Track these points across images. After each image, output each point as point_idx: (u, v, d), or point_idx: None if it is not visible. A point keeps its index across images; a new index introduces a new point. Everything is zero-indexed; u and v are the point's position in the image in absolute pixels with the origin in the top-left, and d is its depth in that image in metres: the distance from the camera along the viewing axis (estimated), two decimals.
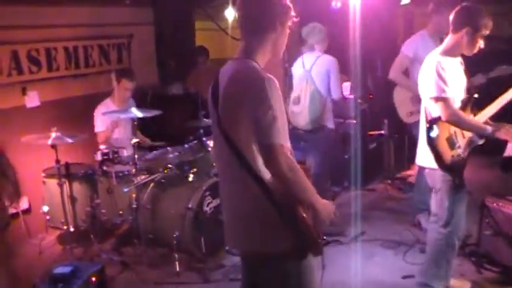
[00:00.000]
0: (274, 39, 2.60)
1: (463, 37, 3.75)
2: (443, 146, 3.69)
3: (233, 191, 2.62)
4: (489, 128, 3.73)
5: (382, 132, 7.36)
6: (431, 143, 3.71)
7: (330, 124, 5.60)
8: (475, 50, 3.81)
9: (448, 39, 3.86)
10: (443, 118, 3.67)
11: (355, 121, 6.85)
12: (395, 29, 9.63)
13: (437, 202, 3.93)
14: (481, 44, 3.78)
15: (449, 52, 3.81)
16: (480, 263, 4.60)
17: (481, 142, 3.84)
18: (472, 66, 4.10)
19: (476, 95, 3.84)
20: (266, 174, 2.44)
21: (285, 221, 2.46)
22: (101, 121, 5.60)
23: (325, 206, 2.57)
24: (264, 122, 2.34)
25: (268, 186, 2.44)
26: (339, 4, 6.86)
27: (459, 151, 3.74)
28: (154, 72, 7.72)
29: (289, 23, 2.63)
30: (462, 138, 3.79)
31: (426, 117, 3.86)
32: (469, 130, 3.79)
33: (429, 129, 3.73)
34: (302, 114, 5.41)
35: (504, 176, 3.75)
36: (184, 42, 8.17)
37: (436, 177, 3.86)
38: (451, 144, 3.72)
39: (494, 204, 4.52)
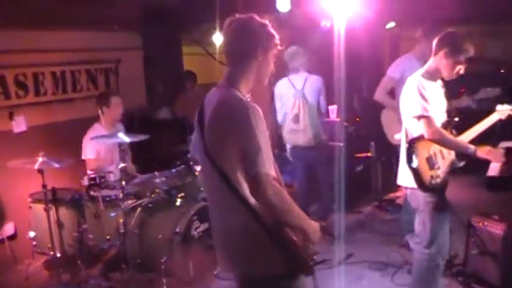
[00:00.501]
0: (257, 67, 2.64)
1: (441, 59, 3.82)
2: (423, 167, 3.72)
3: (222, 215, 2.65)
4: (472, 147, 3.78)
5: (369, 154, 7.41)
6: (411, 162, 3.74)
7: (325, 138, 6.01)
8: (454, 75, 3.87)
9: (430, 62, 3.94)
10: (426, 136, 3.71)
11: (341, 144, 6.90)
12: (382, 52, 9.75)
13: (419, 222, 3.97)
14: (460, 69, 3.83)
15: (429, 74, 3.88)
16: (468, 282, 4.63)
17: (461, 164, 3.89)
18: (457, 88, 4.17)
19: (457, 118, 3.90)
20: (251, 199, 2.47)
21: (274, 243, 2.49)
22: (90, 148, 5.55)
23: (314, 227, 2.61)
24: (249, 151, 2.39)
25: (256, 211, 2.47)
26: (328, 24, 6.96)
27: (438, 172, 3.77)
28: (142, 96, 7.74)
29: (274, 51, 2.68)
30: (442, 159, 3.83)
31: (406, 137, 3.91)
32: (452, 148, 3.84)
33: (409, 149, 3.77)
34: (304, 132, 5.79)
35: (489, 196, 3.79)
36: (173, 67, 8.21)
37: (418, 198, 3.90)
38: (430, 164, 3.75)
39: (480, 224, 4.56)
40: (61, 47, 6.30)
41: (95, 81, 6.84)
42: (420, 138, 3.77)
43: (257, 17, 2.66)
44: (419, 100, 3.72)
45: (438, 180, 3.75)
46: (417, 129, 3.79)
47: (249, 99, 2.60)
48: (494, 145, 4.18)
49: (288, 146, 6.15)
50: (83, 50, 6.62)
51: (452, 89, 4.10)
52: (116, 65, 7.10)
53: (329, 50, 6.33)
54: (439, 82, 3.97)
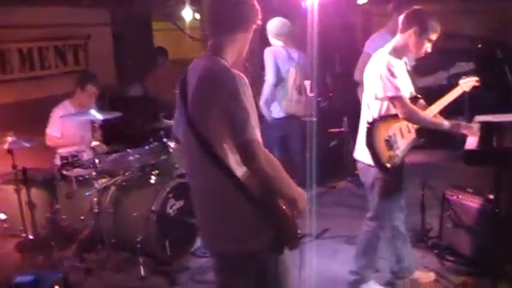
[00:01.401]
0: (244, 39, 2.63)
1: (410, 37, 3.79)
2: (381, 147, 3.71)
3: (205, 190, 2.58)
4: (447, 123, 3.80)
5: (342, 129, 7.42)
6: (370, 143, 3.73)
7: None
8: (422, 53, 3.86)
9: (396, 39, 3.90)
10: (401, 115, 3.69)
11: (315, 119, 6.90)
12: (354, 28, 9.74)
13: (370, 197, 4.05)
14: (428, 47, 3.82)
15: (396, 52, 3.84)
16: (443, 254, 4.67)
17: (421, 141, 3.89)
18: (434, 63, 4.17)
19: (420, 96, 3.92)
20: (238, 171, 2.43)
21: (263, 215, 2.45)
22: (56, 126, 5.44)
23: (302, 195, 2.56)
24: (239, 118, 2.33)
25: (243, 182, 2.43)
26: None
27: (397, 152, 3.76)
28: (112, 73, 7.62)
29: (255, 25, 2.65)
30: (401, 138, 3.81)
31: (366, 118, 3.89)
32: (428, 126, 3.83)
33: (369, 129, 3.75)
34: (306, 103, 5.80)
35: (464, 169, 3.81)
36: (142, 43, 8.09)
37: (370, 174, 3.92)
38: (389, 145, 3.73)
39: (455, 197, 4.60)
40: (28, 23, 6.17)
41: (63, 57, 6.70)
42: (381, 119, 3.76)
43: None
44: (389, 79, 3.68)
45: (396, 160, 3.74)
46: (378, 109, 3.79)
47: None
48: (465, 120, 4.23)
49: (277, 116, 6.03)
50: (50, 26, 6.50)
51: (428, 65, 4.10)
52: (85, 41, 6.96)
53: (301, 25, 6.29)
54: (404, 59, 3.95)
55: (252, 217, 2.46)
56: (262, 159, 2.34)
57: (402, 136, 3.82)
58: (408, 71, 3.95)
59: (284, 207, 2.48)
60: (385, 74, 3.70)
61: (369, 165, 3.84)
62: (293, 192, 2.51)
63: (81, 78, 5.63)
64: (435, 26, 3.77)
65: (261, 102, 5.85)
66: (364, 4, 8.69)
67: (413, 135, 3.87)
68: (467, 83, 4.08)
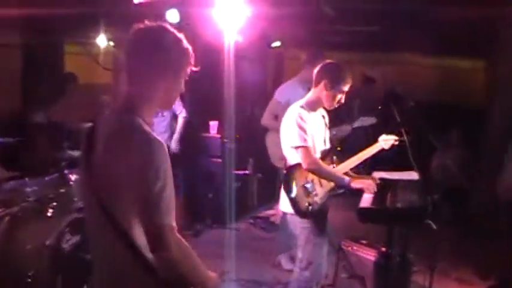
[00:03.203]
0: (165, 89, 2.27)
1: (322, 90, 3.95)
2: (300, 194, 3.84)
3: (109, 265, 2.25)
4: (347, 179, 3.94)
5: (247, 171, 7.53)
6: (288, 189, 3.85)
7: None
8: (335, 104, 4.01)
9: (310, 93, 4.06)
10: (304, 166, 3.82)
11: (220, 160, 6.97)
12: (265, 70, 9.96)
13: (298, 247, 4.08)
14: (341, 98, 3.98)
15: (310, 105, 4.01)
16: None
17: (340, 191, 4.05)
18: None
19: (338, 148, 4.07)
20: (147, 251, 2.11)
21: None
22: None
23: (215, 281, 2.36)
24: (148, 198, 2.04)
25: (153, 266, 2.11)
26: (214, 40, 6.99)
27: (316, 199, 3.90)
28: (17, 97, 7.35)
29: (187, 69, 2.31)
30: (320, 186, 3.96)
31: (285, 164, 4.02)
32: (327, 179, 3.97)
33: (286, 177, 3.88)
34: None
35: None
36: (52, 67, 7.87)
37: (296, 222, 4.01)
38: (307, 192, 3.87)
39: (350, 248, 4.77)
40: None
41: None
42: (297, 166, 3.87)
43: (170, 28, 2.26)
44: (297, 131, 3.84)
45: (315, 206, 3.88)
46: (294, 157, 3.90)
47: (151, 129, 2.18)
48: (364, 172, 4.42)
49: None
50: None
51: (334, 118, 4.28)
52: None
53: (213, 65, 6.36)
54: (320, 111, 4.11)
55: None
56: (174, 249, 2.08)
57: (321, 184, 3.95)
58: (325, 124, 4.13)
59: None
60: (294, 125, 3.85)
61: (293, 215, 3.92)
62: (205, 280, 2.28)
63: None
64: (347, 78, 3.91)
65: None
66: (277, 47, 8.95)
67: (331, 184, 3.99)
68: (386, 141, 4.25)
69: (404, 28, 7.38)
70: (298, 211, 3.85)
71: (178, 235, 2.14)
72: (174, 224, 2.12)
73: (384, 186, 4.09)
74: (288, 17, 7.27)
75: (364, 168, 4.42)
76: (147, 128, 2.15)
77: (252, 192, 7.73)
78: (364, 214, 3.79)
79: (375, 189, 3.98)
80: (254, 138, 6.55)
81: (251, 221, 7.31)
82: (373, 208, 3.77)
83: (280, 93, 5.77)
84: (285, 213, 4.17)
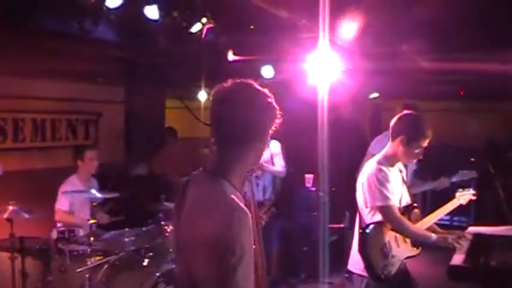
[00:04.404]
0: (259, 148, 2.16)
1: (398, 146, 3.71)
2: (376, 255, 3.61)
3: None
4: (433, 236, 3.70)
5: (342, 225, 7.41)
6: (363, 250, 3.64)
7: None
8: (413, 160, 3.85)
9: (387, 148, 3.84)
10: (388, 226, 3.63)
11: (315, 213, 6.93)
12: (362, 122, 9.88)
13: None
14: (419, 154, 3.73)
15: (387, 160, 3.77)
16: None
17: (417, 252, 3.80)
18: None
19: (416, 204, 3.89)
20: None
21: None
22: (64, 200, 5.51)
23: None
24: (220, 271, 1.90)
25: None
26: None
27: (392, 261, 3.65)
28: (121, 150, 7.73)
29: (274, 127, 2.16)
30: (397, 247, 3.71)
31: (360, 222, 3.80)
32: (413, 238, 3.74)
33: (362, 236, 3.67)
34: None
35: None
36: (154, 122, 8.23)
37: (362, 285, 3.76)
38: (384, 253, 3.63)
39: None
40: (43, 96, 6.35)
41: (74, 131, 6.86)
42: (375, 224, 3.67)
43: (259, 87, 2.13)
44: (380, 189, 3.61)
45: (392, 269, 3.63)
46: (372, 215, 3.70)
47: (238, 197, 2.05)
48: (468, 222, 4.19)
49: None
50: (65, 100, 6.67)
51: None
52: (96, 116, 7.13)
53: (309, 118, 6.39)
54: (398, 166, 3.87)
55: None
56: None
57: (398, 245, 3.71)
58: (403, 179, 3.90)
59: None
60: (374, 183, 3.64)
61: (363, 276, 3.71)
62: None
63: (78, 151, 5.75)
64: (426, 133, 3.67)
65: None
66: (374, 99, 8.87)
67: (409, 245, 3.76)
68: (464, 196, 4.06)
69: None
70: (373, 275, 3.60)
71: None
72: None
73: (479, 242, 3.85)
74: (385, 70, 7.22)
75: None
76: (233, 195, 2.03)
77: (348, 247, 7.55)
78: (456, 273, 3.54)
79: (465, 245, 3.73)
80: (350, 192, 6.46)
81: (346, 275, 7.14)
82: (465, 266, 3.52)
83: (374, 146, 5.66)
84: (350, 273, 3.95)
